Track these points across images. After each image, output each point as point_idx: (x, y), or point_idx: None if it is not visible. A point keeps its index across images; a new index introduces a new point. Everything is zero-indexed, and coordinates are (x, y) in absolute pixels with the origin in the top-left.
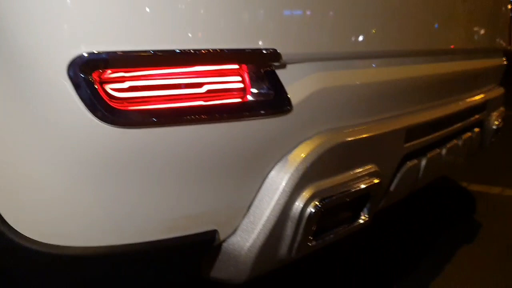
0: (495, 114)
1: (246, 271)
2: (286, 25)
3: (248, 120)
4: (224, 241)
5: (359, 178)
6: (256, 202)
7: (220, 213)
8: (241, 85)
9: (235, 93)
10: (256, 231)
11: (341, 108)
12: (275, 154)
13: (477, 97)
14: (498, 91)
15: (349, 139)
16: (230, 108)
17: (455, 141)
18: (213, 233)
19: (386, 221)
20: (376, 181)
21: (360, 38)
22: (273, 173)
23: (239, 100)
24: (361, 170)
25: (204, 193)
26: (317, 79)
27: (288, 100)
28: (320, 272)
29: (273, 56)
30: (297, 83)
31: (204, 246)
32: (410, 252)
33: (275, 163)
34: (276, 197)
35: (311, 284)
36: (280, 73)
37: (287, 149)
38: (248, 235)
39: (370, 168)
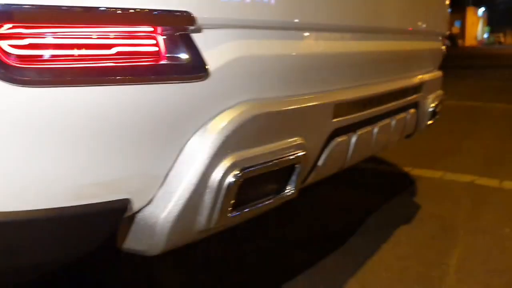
0: (432, 96)
1: (162, 243)
2: None
3: (160, 84)
4: (139, 211)
5: (284, 150)
6: (173, 171)
7: (133, 182)
8: (153, 48)
9: (146, 55)
10: (173, 201)
11: (265, 78)
12: (194, 122)
13: (412, 78)
14: (436, 74)
15: (273, 110)
16: (140, 71)
17: (388, 121)
18: (125, 202)
19: (329, 200)
20: (301, 153)
21: (288, 7)
22: (191, 142)
23: (150, 63)
24: (286, 142)
25: (114, 160)
26: (239, 47)
27: (204, 66)
28: (254, 243)
29: (188, 19)
30: (216, 49)
31: (115, 215)
32: (349, 231)
33: (194, 132)
34: (194, 166)
35: (246, 254)
36: (196, 37)
37: (206, 118)
38: (164, 205)
39: (296, 140)
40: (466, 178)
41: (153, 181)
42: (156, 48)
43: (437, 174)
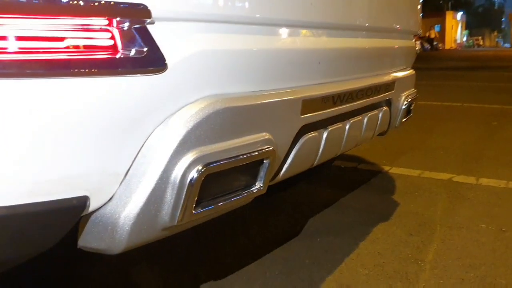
0: (405, 94)
1: (123, 241)
2: None
3: (116, 78)
4: (99, 208)
5: (250, 145)
6: (134, 167)
7: (91, 178)
8: (108, 41)
9: (101, 49)
10: (134, 199)
11: (229, 73)
12: (154, 117)
13: (385, 76)
14: (409, 72)
15: (236, 105)
16: (95, 64)
17: (360, 118)
18: (83, 200)
19: (309, 198)
20: (269, 148)
21: (253, 2)
22: (152, 137)
23: (106, 56)
24: (252, 137)
25: (71, 155)
26: (201, 40)
27: (162, 59)
28: (233, 239)
29: (144, 12)
30: (176, 43)
31: (73, 213)
32: (328, 229)
33: (155, 127)
34: (155, 162)
35: (225, 252)
36: (154, 30)
37: (167, 112)
38: (125, 202)
39: (263, 135)
40: (444, 176)
41: (112, 178)
42: (111, 41)
43: (415, 172)
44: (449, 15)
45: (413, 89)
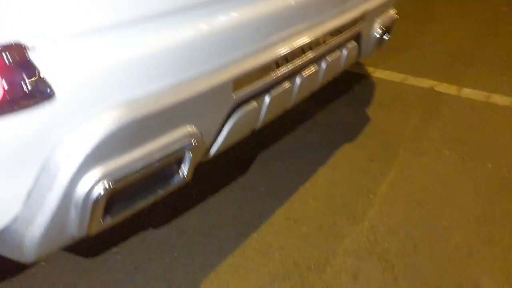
0: (378, 21)
1: (32, 254)
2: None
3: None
4: (2, 230)
5: (166, 147)
6: (37, 188)
7: None
8: None
9: None
10: (38, 219)
11: (132, 76)
12: (52, 138)
13: (351, 12)
14: None
15: (140, 113)
16: None
17: (316, 66)
18: None
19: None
20: (190, 142)
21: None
22: (53, 157)
23: None
24: (168, 136)
25: None
26: (89, 53)
27: (47, 84)
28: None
29: (18, 45)
30: (61, 65)
31: None
32: (292, 151)
33: (55, 147)
34: (57, 181)
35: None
36: (34, 60)
37: (67, 131)
38: (29, 223)
39: (183, 130)
40: (427, 83)
41: (14, 200)
42: None
43: (399, 77)
44: None
45: (390, 12)
